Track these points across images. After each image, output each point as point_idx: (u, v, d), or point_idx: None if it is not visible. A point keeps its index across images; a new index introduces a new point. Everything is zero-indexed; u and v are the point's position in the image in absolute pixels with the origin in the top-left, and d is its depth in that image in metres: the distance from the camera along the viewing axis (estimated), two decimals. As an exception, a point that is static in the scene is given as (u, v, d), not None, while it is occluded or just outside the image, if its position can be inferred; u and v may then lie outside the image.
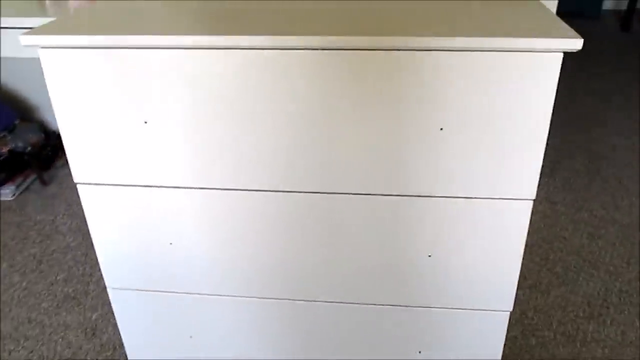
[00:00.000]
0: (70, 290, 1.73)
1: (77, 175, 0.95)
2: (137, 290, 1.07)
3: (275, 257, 1.00)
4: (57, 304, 1.67)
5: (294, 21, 0.83)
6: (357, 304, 1.03)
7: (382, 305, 1.02)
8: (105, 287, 1.73)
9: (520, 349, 1.47)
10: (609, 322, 1.56)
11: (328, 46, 0.77)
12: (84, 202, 0.98)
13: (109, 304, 1.66)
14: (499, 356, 1.04)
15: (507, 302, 0.97)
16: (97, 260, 1.85)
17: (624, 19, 3.69)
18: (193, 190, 0.94)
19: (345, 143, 0.86)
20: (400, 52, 0.77)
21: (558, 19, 0.80)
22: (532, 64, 0.76)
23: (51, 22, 0.87)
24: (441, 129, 0.82)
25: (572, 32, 0.75)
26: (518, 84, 0.78)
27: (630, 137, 2.47)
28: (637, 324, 1.55)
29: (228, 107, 0.85)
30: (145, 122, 0.88)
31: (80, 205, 2.15)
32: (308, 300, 1.05)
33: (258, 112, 0.84)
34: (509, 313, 0.99)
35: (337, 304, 1.04)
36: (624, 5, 4.18)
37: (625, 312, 1.59)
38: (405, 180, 0.87)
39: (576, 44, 0.73)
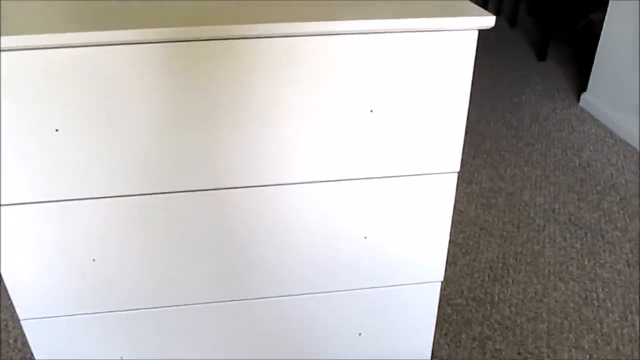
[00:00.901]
0: (-43, 333, 1.54)
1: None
2: (57, 317, 0.98)
3: (204, 260, 0.96)
4: (-56, 350, 1.48)
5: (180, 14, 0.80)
6: (294, 295, 1.03)
7: (320, 293, 1.03)
8: (0, 324, 1.56)
9: (439, 318, 1.56)
10: (510, 282, 1.70)
11: (227, 36, 0.76)
12: (-12, 227, 0.87)
13: (9, 340, 1.50)
14: (433, 325, 1.09)
15: (439, 272, 1.02)
16: (-15, 294, 1.66)
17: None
18: (113, 199, 0.88)
19: (278, 132, 0.85)
20: (326, 37, 0.78)
21: (468, 1, 0.85)
22: (450, 42, 0.81)
23: None
24: (371, 110, 0.84)
25: (484, 11, 0.80)
26: (439, 62, 0.82)
27: (503, 114, 2.70)
28: (534, 280, 1.71)
29: (136, 107, 0.80)
30: (57, 130, 0.80)
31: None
32: (243, 300, 1.02)
33: (166, 111, 0.81)
34: (440, 282, 1.04)
35: (274, 298, 1.03)
36: (477, -5, 4.55)
37: (523, 271, 1.74)
38: (339, 164, 0.88)
39: (489, 21, 0.78)
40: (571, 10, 3.71)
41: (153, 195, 0.88)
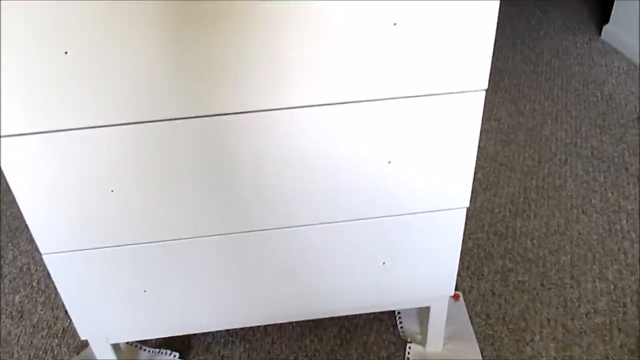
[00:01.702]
0: (-19, 277, 1.55)
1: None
2: (79, 250, 0.97)
3: (221, 190, 0.94)
4: (-31, 293, 1.50)
5: None
6: (313, 225, 1.01)
7: (340, 222, 1.01)
8: (22, 267, 1.57)
9: (461, 252, 1.54)
10: (532, 216, 1.67)
11: None
12: (3, 159, 0.85)
13: (32, 283, 1.52)
14: (458, 253, 1.07)
15: (465, 197, 0.99)
16: (6, 241, 1.67)
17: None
18: (128, 126, 0.85)
19: (289, 48, 0.80)
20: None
21: None
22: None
23: None
24: (395, 24, 0.79)
25: None
26: (467, -32, 0.76)
27: (522, 49, 2.61)
28: (557, 213, 1.68)
29: (146, 28, 0.76)
30: (66, 53, 0.77)
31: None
32: (261, 230, 1.01)
33: (176, 32, 0.77)
34: (466, 209, 1.01)
35: (292, 228, 1.01)
36: None
37: (545, 205, 1.71)
38: (358, 83, 0.84)
39: None
40: (592, -60, 3.53)
41: (167, 121, 0.85)
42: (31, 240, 1.67)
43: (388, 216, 1.00)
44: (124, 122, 0.84)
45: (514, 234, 1.61)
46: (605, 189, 1.76)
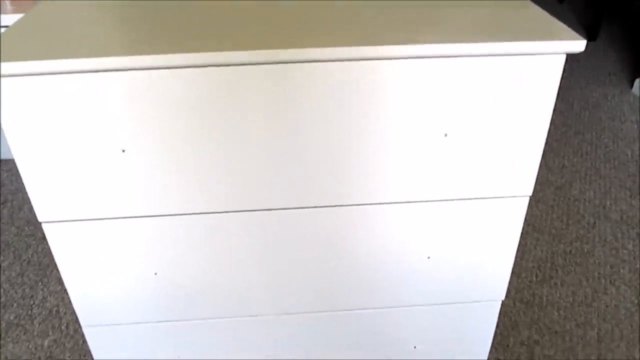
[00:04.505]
0: (12, 317, 1.58)
1: (41, 214, 0.84)
2: (118, 324, 0.99)
3: (263, 272, 0.95)
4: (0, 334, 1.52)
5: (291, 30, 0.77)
6: (351, 310, 1.02)
7: (379, 308, 1.01)
8: (52, 309, 1.59)
9: (487, 320, 1.54)
10: (559, 284, 1.67)
11: (332, 58, 0.72)
12: (51, 242, 0.87)
13: (61, 326, 1.54)
14: (490, 341, 1.07)
15: (501, 291, 1.00)
16: (36, 280, 1.70)
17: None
18: (171, 217, 0.87)
19: (347, 154, 0.82)
20: (406, 60, 0.74)
21: (553, 18, 0.80)
22: (534, 66, 0.76)
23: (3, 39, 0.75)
24: (445, 135, 0.80)
25: (573, 33, 0.75)
26: (520, 85, 0.77)
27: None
28: (584, 282, 1.67)
29: (201, 128, 0.78)
30: (123, 151, 0.79)
31: (3, 220, 1.95)
32: (299, 313, 1.02)
33: (237, 131, 0.78)
34: (501, 301, 1.02)
35: (329, 313, 1.02)
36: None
37: (572, 272, 1.70)
38: (411, 186, 0.85)
39: (579, 45, 0.73)
40: (626, -13, 3.53)
41: (212, 214, 0.87)
42: (61, 281, 1.70)
43: (423, 305, 1.01)
44: (169, 213, 0.86)
45: (540, 302, 1.61)
46: (634, 258, 1.75)
